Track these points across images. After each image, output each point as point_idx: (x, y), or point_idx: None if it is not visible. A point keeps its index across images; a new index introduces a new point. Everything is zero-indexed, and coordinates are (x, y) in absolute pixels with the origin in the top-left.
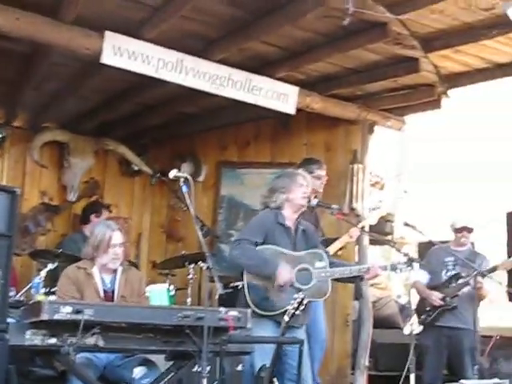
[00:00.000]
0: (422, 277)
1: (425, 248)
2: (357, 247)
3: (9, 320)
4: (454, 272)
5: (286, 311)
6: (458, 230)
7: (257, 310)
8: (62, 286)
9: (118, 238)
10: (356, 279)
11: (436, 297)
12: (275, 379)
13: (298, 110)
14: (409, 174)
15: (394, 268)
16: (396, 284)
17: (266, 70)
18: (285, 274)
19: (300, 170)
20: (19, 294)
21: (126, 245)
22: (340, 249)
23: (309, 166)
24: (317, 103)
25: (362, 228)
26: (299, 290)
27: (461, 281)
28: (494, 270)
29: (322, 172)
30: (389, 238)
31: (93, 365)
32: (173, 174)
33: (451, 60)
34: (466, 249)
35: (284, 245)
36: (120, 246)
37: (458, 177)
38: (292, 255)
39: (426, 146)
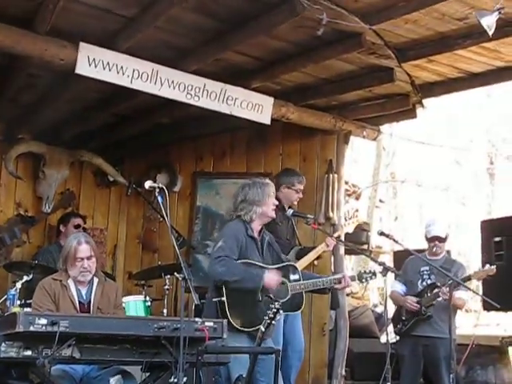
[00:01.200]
0: (397, 287)
1: (401, 257)
2: (333, 257)
3: None
4: (429, 281)
5: (262, 322)
6: (429, 240)
7: (234, 325)
8: (38, 297)
9: (84, 251)
10: (324, 290)
11: (411, 301)
12: None
13: (274, 120)
14: (385, 183)
15: (360, 278)
16: (372, 293)
17: (241, 81)
18: (272, 277)
19: (267, 180)
20: None
21: (102, 255)
22: (316, 258)
23: (291, 177)
24: (292, 113)
25: (338, 237)
26: (275, 301)
27: (436, 290)
28: (467, 279)
29: (302, 186)
30: (365, 247)
31: (69, 377)
32: (148, 184)
33: (425, 70)
34: (441, 257)
35: (255, 257)
36: (88, 258)
37: (435, 183)
38: (268, 269)
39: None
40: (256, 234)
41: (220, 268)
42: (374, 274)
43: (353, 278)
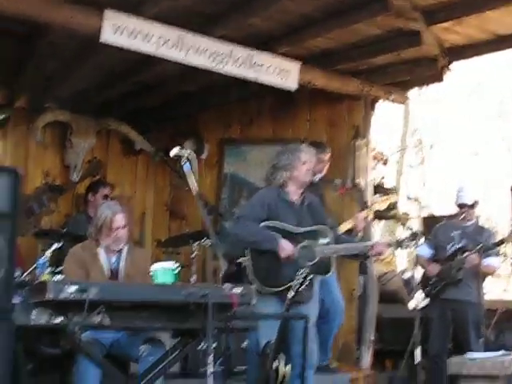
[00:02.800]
0: (425, 251)
1: (429, 222)
2: None
3: (14, 300)
4: (459, 245)
5: (289, 287)
6: (459, 206)
7: (260, 288)
8: (68, 265)
9: (119, 221)
10: (361, 257)
11: (432, 268)
12: (281, 355)
13: (301, 86)
14: (412, 149)
15: (399, 244)
16: (401, 259)
17: (267, 47)
18: (286, 247)
19: (303, 146)
20: (24, 274)
21: (131, 224)
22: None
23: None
24: (319, 79)
25: (365, 203)
26: (303, 266)
27: (466, 254)
28: (501, 243)
29: (325, 156)
30: (393, 213)
31: (99, 343)
32: (175, 152)
33: (453, 32)
34: (470, 224)
35: (288, 221)
36: (122, 228)
37: (465, 149)
38: (295, 231)
39: (432, 118)
40: (294, 198)
41: (236, 228)
42: (416, 239)
43: (390, 245)
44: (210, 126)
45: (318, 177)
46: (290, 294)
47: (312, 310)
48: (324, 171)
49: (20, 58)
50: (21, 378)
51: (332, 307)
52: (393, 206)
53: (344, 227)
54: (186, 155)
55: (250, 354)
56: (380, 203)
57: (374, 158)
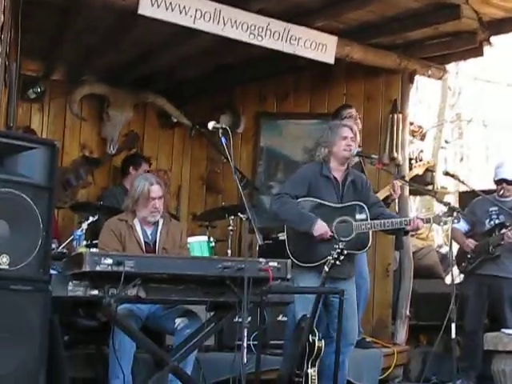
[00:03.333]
0: (461, 226)
1: (466, 197)
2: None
3: (51, 272)
4: (497, 221)
5: (326, 262)
6: (497, 182)
7: (297, 262)
8: (104, 238)
9: (156, 191)
10: (399, 232)
11: (469, 243)
12: (316, 329)
13: (338, 60)
14: (450, 124)
15: (437, 220)
16: (437, 234)
17: (305, 20)
18: (321, 229)
19: (345, 122)
20: (61, 246)
21: (167, 197)
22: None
23: (337, 114)
24: (356, 53)
25: (403, 178)
26: (339, 241)
27: (504, 230)
28: None
29: (350, 109)
30: (430, 188)
31: (135, 316)
32: (211, 125)
33: (493, 6)
34: (509, 200)
35: (328, 197)
36: (159, 199)
37: (502, 123)
38: (332, 207)
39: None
40: (336, 175)
41: (275, 205)
42: (453, 215)
43: (427, 221)
44: (246, 99)
45: (354, 151)
46: (325, 268)
47: (352, 286)
48: (358, 126)
49: (58, 30)
50: (57, 349)
51: (357, 281)
52: (430, 180)
53: (380, 195)
54: (223, 128)
55: (289, 327)
56: (418, 168)
57: (412, 132)
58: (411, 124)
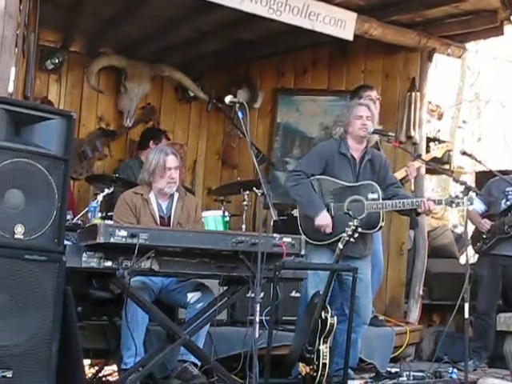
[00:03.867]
0: (477, 206)
1: (483, 177)
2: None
3: (66, 242)
4: None
5: (340, 239)
6: None
7: (309, 240)
8: (119, 210)
9: (172, 161)
10: (410, 213)
11: (484, 223)
12: (329, 306)
13: (356, 37)
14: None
15: (449, 203)
16: (452, 214)
17: None
18: (323, 221)
19: (362, 101)
20: (76, 217)
21: (182, 170)
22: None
23: (356, 93)
24: (375, 29)
25: (419, 156)
26: (354, 219)
27: None
28: None
29: (371, 92)
30: (446, 167)
31: (148, 288)
32: (228, 99)
33: None
34: None
35: (344, 175)
36: (175, 169)
37: None
38: (345, 186)
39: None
40: (354, 153)
41: (289, 183)
42: (468, 196)
43: (439, 202)
44: (263, 74)
45: (371, 130)
46: (340, 245)
47: (367, 266)
48: (376, 108)
49: (76, 1)
50: (70, 320)
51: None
52: (447, 160)
53: (397, 176)
54: (240, 103)
55: (301, 303)
56: (436, 150)
57: (430, 111)
58: (429, 103)
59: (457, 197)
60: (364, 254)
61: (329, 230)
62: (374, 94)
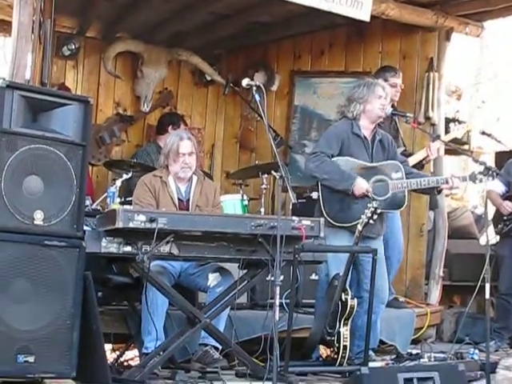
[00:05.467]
0: (497, 186)
1: (503, 157)
2: None
3: (85, 228)
4: None
5: (360, 221)
6: None
7: (332, 222)
8: (139, 193)
9: (186, 146)
10: (433, 191)
11: (507, 205)
12: (348, 288)
13: (373, 17)
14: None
15: (473, 178)
16: (472, 194)
17: None
18: (361, 186)
19: (379, 81)
20: (95, 202)
21: (200, 155)
22: (419, 167)
23: (383, 73)
24: (392, 10)
25: (438, 137)
26: (373, 200)
27: None
28: None
29: (397, 80)
30: (466, 147)
31: (167, 272)
32: (245, 82)
33: None
34: None
35: (360, 155)
36: (189, 154)
37: None
38: (368, 166)
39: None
40: (366, 133)
41: (312, 163)
42: (490, 173)
43: (463, 179)
44: (280, 57)
45: (389, 111)
46: (359, 227)
47: (381, 244)
48: (397, 96)
49: None
50: (91, 305)
51: (390, 241)
52: (466, 141)
53: (417, 157)
54: (257, 86)
55: (321, 285)
56: (456, 131)
57: (449, 92)
58: (448, 83)
59: (479, 173)
60: (380, 234)
61: (369, 192)
62: (399, 81)
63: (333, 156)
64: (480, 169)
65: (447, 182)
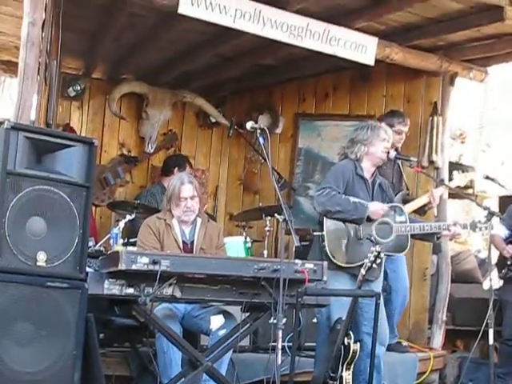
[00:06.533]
0: (501, 231)
1: (506, 202)
2: None
3: (88, 269)
4: None
5: (362, 264)
6: None
7: (334, 261)
8: (143, 235)
9: (187, 191)
10: (433, 237)
11: (509, 249)
12: (351, 332)
13: (378, 61)
14: (491, 127)
15: (473, 227)
16: (476, 238)
17: (345, 21)
18: (376, 208)
19: (382, 124)
20: (98, 244)
21: (204, 196)
22: (419, 213)
23: (391, 118)
24: (396, 54)
25: (442, 181)
26: (376, 244)
27: None
28: None
29: (403, 128)
30: (470, 191)
31: (176, 316)
32: (250, 125)
33: None
34: None
35: (362, 197)
36: (191, 198)
37: None
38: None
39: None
40: (367, 175)
41: (323, 198)
42: (491, 221)
43: (464, 226)
44: (285, 99)
45: (393, 155)
46: (362, 271)
47: (379, 286)
48: (401, 143)
49: (98, 28)
50: (93, 347)
51: (394, 285)
52: (470, 184)
53: (419, 203)
54: (261, 129)
55: (321, 329)
56: (460, 179)
57: (453, 135)
58: (452, 127)
59: (479, 221)
60: (378, 277)
61: (385, 209)
62: (406, 130)
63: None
64: (480, 217)
65: (449, 229)
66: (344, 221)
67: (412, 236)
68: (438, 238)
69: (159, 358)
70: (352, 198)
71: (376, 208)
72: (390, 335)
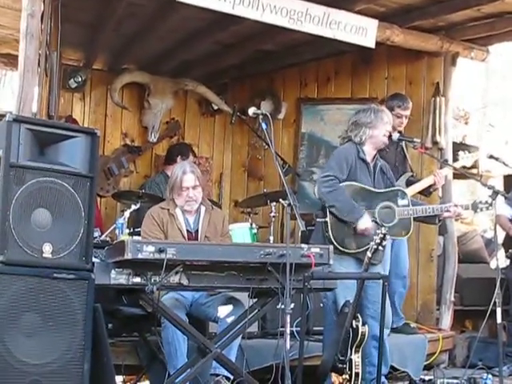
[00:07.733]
0: (506, 210)
1: (511, 181)
2: None
3: (94, 260)
4: None
5: (368, 248)
6: None
7: (339, 248)
8: (146, 226)
9: (189, 180)
10: (434, 219)
11: None
12: (359, 315)
13: (379, 44)
14: (494, 106)
15: (475, 208)
16: (482, 218)
17: (345, 4)
18: (366, 224)
19: (383, 107)
20: (104, 234)
21: (208, 184)
22: (425, 194)
23: (391, 102)
24: (397, 36)
25: (446, 161)
26: (382, 226)
27: None
28: None
29: (403, 112)
30: (474, 171)
31: (182, 305)
32: (252, 111)
33: None
34: None
35: (365, 181)
36: (193, 188)
37: None
38: (375, 192)
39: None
40: (369, 158)
41: (324, 188)
42: (490, 204)
43: (466, 207)
44: (287, 85)
45: (396, 136)
46: (368, 254)
47: (385, 270)
48: (403, 126)
49: (98, 19)
50: (101, 337)
51: (394, 268)
52: (474, 165)
53: (424, 184)
54: (263, 114)
55: (328, 313)
56: (466, 159)
57: (456, 115)
58: (455, 107)
59: (481, 202)
60: (382, 260)
61: (372, 232)
62: (406, 113)
63: (343, 181)
64: (482, 197)
65: (451, 210)
66: None
67: (414, 219)
68: (440, 221)
69: (165, 348)
70: (351, 200)
71: (366, 226)
72: (395, 318)
